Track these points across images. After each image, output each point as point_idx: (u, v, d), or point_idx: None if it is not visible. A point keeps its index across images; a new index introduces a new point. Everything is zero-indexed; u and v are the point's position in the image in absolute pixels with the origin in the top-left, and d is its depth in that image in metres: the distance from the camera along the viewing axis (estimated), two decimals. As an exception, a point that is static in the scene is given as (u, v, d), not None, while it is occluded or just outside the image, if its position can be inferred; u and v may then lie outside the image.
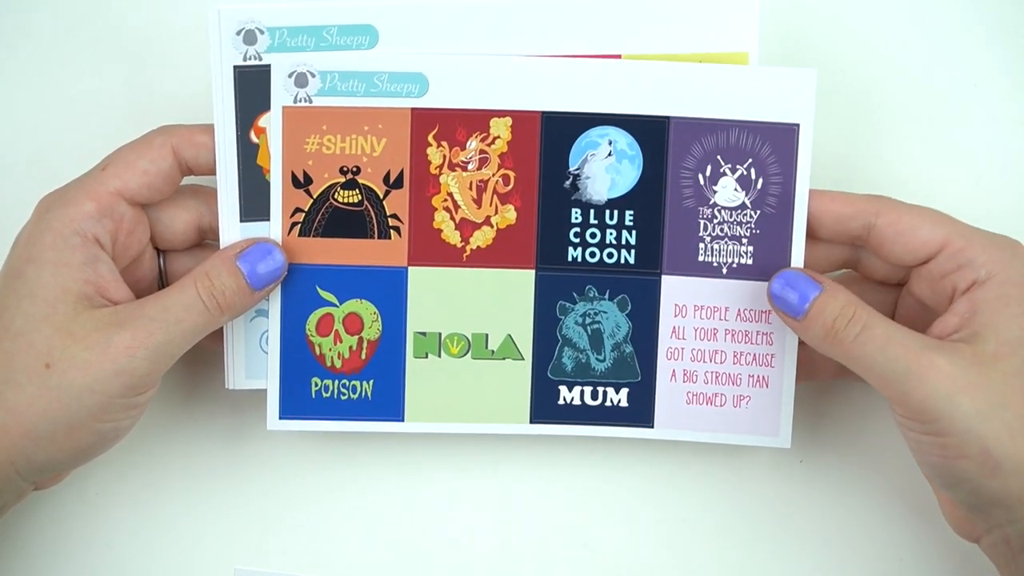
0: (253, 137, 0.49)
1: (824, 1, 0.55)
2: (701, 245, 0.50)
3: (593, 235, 0.50)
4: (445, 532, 0.54)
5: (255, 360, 0.51)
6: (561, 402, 0.50)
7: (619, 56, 0.49)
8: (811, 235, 0.49)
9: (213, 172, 0.49)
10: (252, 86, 0.49)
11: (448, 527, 0.54)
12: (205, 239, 0.51)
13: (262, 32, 0.48)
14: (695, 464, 0.54)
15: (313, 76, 0.48)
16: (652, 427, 0.51)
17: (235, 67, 0.49)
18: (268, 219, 0.50)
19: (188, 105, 0.53)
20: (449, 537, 0.54)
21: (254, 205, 0.49)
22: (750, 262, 0.50)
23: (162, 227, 0.50)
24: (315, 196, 0.49)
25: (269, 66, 0.48)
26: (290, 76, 0.48)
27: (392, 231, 0.49)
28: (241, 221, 0.49)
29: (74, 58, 0.55)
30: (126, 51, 0.55)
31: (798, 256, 0.49)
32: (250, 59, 0.49)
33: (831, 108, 0.54)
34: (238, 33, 0.48)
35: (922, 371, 0.44)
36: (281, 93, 0.48)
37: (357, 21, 0.48)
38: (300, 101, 0.48)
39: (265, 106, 0.49)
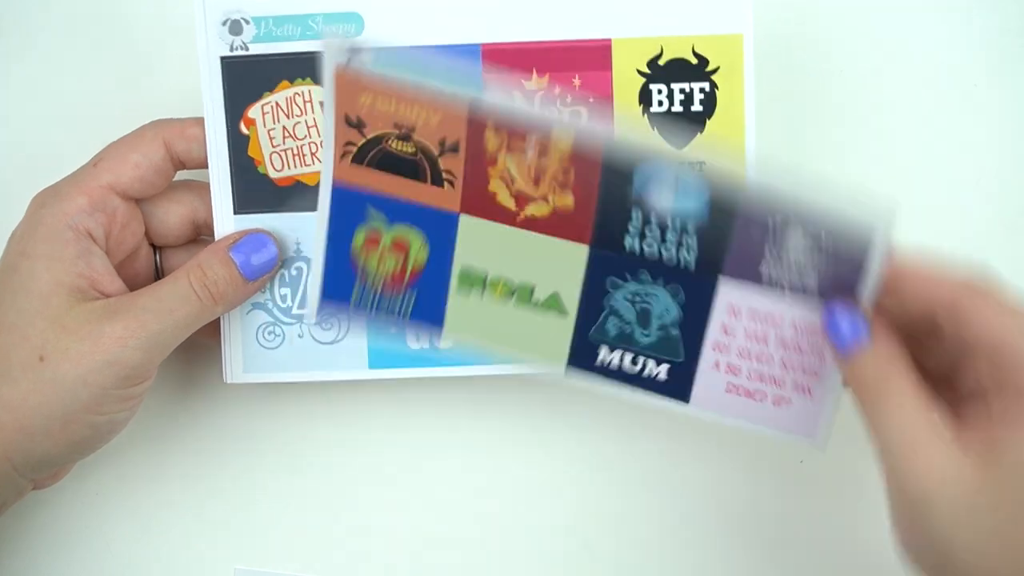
0: (243, 128, 0.49)
1: (851, 12, 0.55)
2: (764, 263, 0.47)
3: (652, 231, 0.47)
4: (444, 528, 0.54)
5: (253, 354, 0.50)
6: (599, 361, 0.49)
7: (609, 41, 0.49)
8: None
9: (206, 166, 0.49)
10: (240, 77, 0.49)
11: (446, 524, 0.54)
12: (200, 234, 0.51)
13: (247, 22, 0.48)
14: (694, 466, 0.54)
15: (361, 51, 0.46)
16: (687, 403, 0.49)
17: (222, 58, 0.49)
18: (262, 211, 0.49)
19: (181, 99, 0.53)
20: (446, 537, 0.54)
21: (247, 197, 0.49)
22: (814, 284, 0.47)
23: (156, 222, 0.50)
24: (368, 137, 0.47)
25: (255, 57, 0.48)
26: (345, 55, 0.46)
27: (446, 182, 0.48)
28: (235, 213, 0.49)
29: (63, 54, 0.55)
30: (115, 46, 0.55)
31: (864, 292, 0.46)
32: (236, 49, 0.48)
33: (831, 107, 0.54)
34: (223, 23, 0.48)
35: (915, 471, 0.42)
36: (329, 65, 0.46)
37: (342, 9, 0.48)
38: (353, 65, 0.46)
39: (253, 96, 0.49)
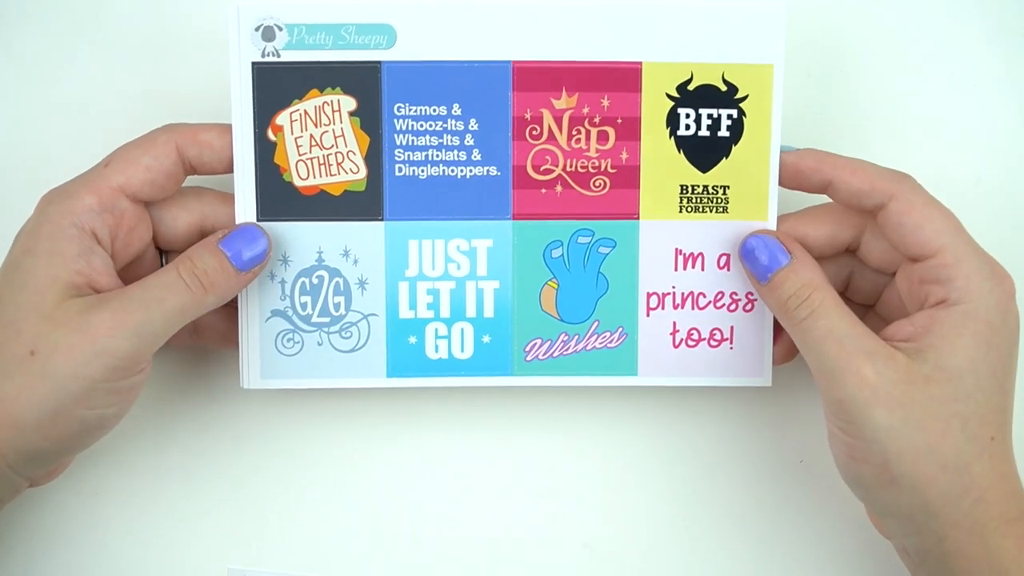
0: (270, 135, 0.48)
1: (851, 12, 0.55)
2: None
3: None
4: (450, 533, 0.54)
5: (271, 360, 0.50)
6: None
7: (640, 64, 0.49)
8: (826, 194, 0.49)
9: (217, 171, 0.49)
10: (270, 83, 0.48)
11: (452, 530, 0.54)
12: (208, 240, 0.51)
13: (280, 28, 0.48)
14: (694, 465, 0.55)
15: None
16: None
17: (253, 63, 0.48)
18: (285, 219, 0.49)
19: (207, 103, 0.52)
20: (452, 541, 0.54)
21: (271, 204, 0.49)
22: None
23: (164, 227, 0.49)
24: None
25: (286, 64, 0.48)
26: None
27: None
28: (258, 220, 0.49)
29: (90, 55, 0.54)
30: (144, 48, 0.54)
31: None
32: (268, 56, 0.48)
33: (833, 108, 0.54)
34: (256, 29, 0.48)
35: (847, 375, 0.44)
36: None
37: (375, 20, 0.48)
38: None
39: (282, 103, 0.48)
